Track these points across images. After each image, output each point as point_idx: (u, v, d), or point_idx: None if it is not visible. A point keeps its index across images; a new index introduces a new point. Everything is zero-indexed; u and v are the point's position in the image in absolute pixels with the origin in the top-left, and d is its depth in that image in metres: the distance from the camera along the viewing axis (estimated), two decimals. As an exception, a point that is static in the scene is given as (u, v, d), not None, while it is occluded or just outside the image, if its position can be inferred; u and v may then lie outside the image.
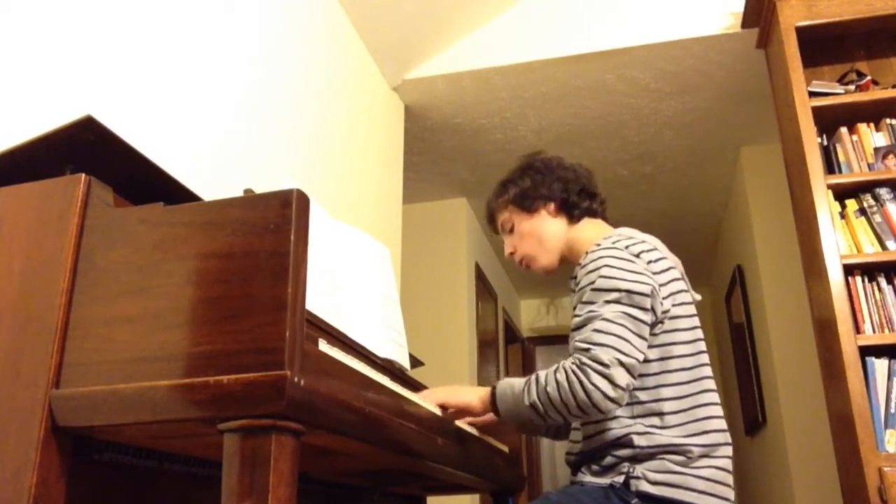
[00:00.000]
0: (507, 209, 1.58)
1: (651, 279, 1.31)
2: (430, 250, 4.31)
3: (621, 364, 1.22)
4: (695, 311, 1.41)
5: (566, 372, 1.25)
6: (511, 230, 1.58)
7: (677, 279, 1.39)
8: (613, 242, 1.37)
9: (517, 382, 1.34)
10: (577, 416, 1.26)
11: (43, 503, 0.79)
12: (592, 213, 1.55)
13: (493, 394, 1.36)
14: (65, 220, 0.90)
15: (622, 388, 1.22)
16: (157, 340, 0.81)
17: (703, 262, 5.32)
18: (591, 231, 1.51)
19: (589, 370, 1.22)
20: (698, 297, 1.48)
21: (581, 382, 1.22)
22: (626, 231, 1.44)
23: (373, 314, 1.52)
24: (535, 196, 1.53)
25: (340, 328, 1.27)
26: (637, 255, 1.34)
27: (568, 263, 1.56)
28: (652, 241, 1.43)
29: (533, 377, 1.32)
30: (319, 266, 1.39)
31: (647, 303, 1.28)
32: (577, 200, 1.52)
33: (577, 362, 1.24)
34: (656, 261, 1.37)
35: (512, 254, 1.59)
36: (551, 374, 1.27)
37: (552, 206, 1.53)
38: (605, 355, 1.22)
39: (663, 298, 1.33)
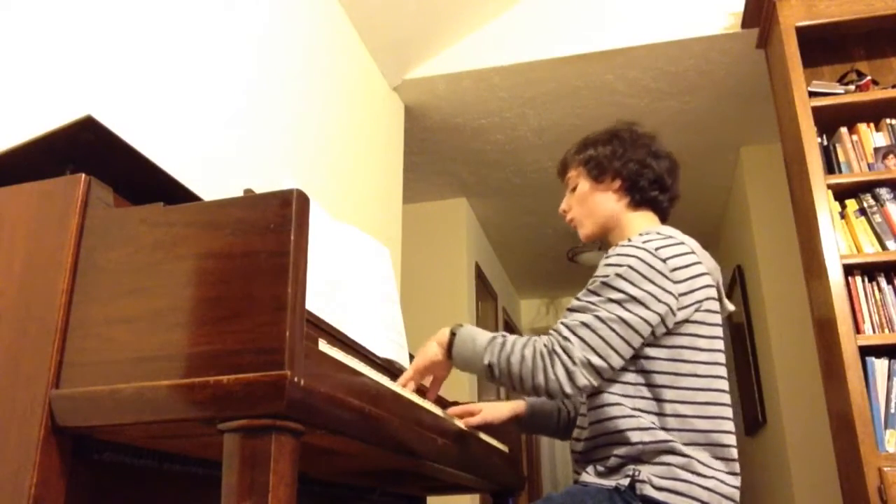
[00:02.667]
0: (577, 168, 1.54)
1: (667, 293, 1.28)
2: (430, 250, 4.31)
3: (590, 365, 1.23)
4: (720, 322, 1.36)
5: (534, 351, 1.26)
6: (574, 189, 1.55)
7: (708, 286, 1.34)
8: (644, 241, 1.33)
9: (480, 337, 1.32)
10: (528, 393, 1.27)
11: (43, 503, 0.79)
12: (656, 206, 1.50)
13: (452, 337, 1.35)
14: (65, 220, 0.90)
15: (579, 389, 1.24)
16: (157, 340, 0.81)
17: (703, 262, 5.32)
18: (640, 222, 1.47)
19: (556, 359, 1.24)
20: (731, 307, 1.45)
21: (544, 368, 1.24)
22: (665, 230, 1.39)
23: (373, 314, 1.52)
24: (606, 167, 1.48)
25: (340, 328, 1.27)
26: (665, 260, 1.30)
27: (604, 241, 1.52)
28: (691, 244, 1.38)
29: (500, 337, 1.31)
30: (319, 266, 1.39)
31: (650, 316, 1.26)
32: (646, 187, 1.47)
33: (549, 347, 1.25)
34: (687, 266, 1.32)
35: (565, 211, 1.57)
36: (518, 346, 1.28)
37: (618, 183, 1.48)
38: (578, 352, 1.23)
39: (681, 308, 1.29)
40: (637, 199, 1.48)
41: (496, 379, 1.30)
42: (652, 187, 1.47)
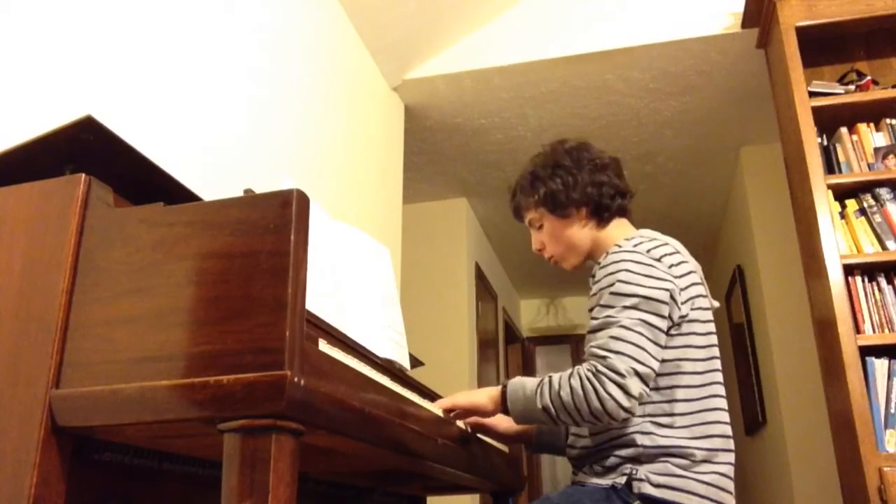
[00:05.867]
0: (536, 209, 1.53)
1: (671, 282, 1.31)
2: (430, 250, 4.31)
3: (636, 374, 1.22)
4: (711, 318, 1.40)
5: (581, 378, 1.25)
6: (540, 227, 1.54)
7: (697, 283, 1.38)
8: (634, 245, 1.36)
9: (529, 383, 1.33)
10: (589, 422, 1.26)
11: (43, 503, 0.79)
12: (622, 213, 1.52)
13: (504, 392, 1.36)
14: (65, 220, 0.90)
15: (635, 398, 1.23)
16: (157, 340, 0.81)
17: (703, 262, 5.29)
18: (617, 232, 1.50)
19: (605, 378, 1.22)
20: (716, 304, 1.48)
21: (596, 390, 1.22)
22: (648, 233, 1.43)
23: (373, 314, 1.52)
24: (567, 201, 1.47)
25: (340, 328, 1.27)
26: (658, 259, 1.33)
27: (590, 260, 1.54)
28: (674, 244, 1.41)
29: (546, 379, 1.31)
30: (319, 266, 1.39)
31: (665, 310, 1.28)
32: (609, 203, 1.48)
33: (594, 370, 1.24)
34: (677, 264, 1.36)
35: (540, 250, 1.57)
36: (565, 379, 1.27)
37: (584, 211, 1.48)
38: (622, 364, 1.22)
39: (682, 303, 1.32)
40: (606, 216, 1.49)
41: (556, 420, 1.29)
42: (614, 200, 1.48)
